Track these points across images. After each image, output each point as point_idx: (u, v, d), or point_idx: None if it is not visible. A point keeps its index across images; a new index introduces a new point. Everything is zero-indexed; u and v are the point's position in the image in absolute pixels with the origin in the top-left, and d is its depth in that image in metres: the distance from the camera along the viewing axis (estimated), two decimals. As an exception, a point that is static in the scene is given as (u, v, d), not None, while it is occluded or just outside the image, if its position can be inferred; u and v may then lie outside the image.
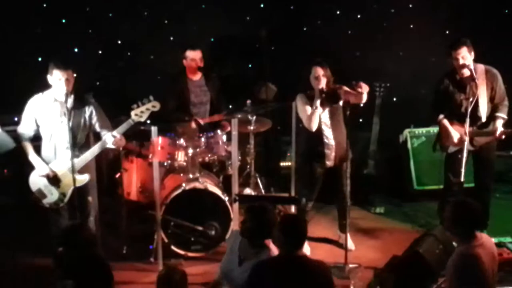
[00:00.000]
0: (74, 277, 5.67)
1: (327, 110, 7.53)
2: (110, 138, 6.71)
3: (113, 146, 6.81)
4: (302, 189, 7.97)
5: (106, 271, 5.62)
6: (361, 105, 7.45)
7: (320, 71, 7.40)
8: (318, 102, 7.41)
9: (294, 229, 5.42)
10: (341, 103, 7.50)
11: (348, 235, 7.66)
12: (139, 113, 6.71)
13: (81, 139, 6.86)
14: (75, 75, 6.76)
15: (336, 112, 7.57)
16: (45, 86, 6.82)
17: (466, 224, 5.43)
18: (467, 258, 5.34)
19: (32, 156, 6.82)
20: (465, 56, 7.32)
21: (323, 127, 7.54)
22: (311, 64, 7.50)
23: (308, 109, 7.49)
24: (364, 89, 7.21)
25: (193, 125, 8.19)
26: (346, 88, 7.45)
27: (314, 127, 7.45)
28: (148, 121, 7.45)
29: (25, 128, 6.86)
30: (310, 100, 7.52)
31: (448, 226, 5.57)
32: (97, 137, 6.95)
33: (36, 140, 6.94)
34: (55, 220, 6.92)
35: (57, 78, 6.62)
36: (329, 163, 7.63)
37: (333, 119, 7.56)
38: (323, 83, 7.39)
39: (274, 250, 5.57)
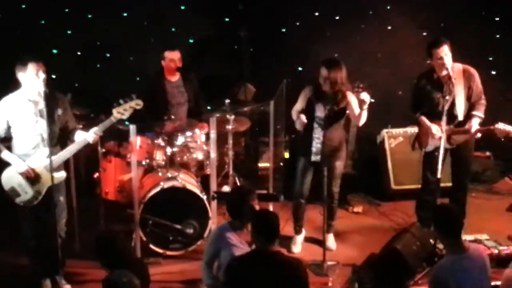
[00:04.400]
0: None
1: (324, 108, 7.46)
2: (91, 136, 6.65)
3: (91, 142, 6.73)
4: (294, 186, 7.88)
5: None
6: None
7: (324, 72, 7.33)
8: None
9: (265, 224, 5.45)
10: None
11: (332, 235, 7.80)
12: (122, 111, 6.63)
13: (55, 134, 6.67)
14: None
15: (337, 112, 7.53)
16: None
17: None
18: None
19: (5, 154, 6.64)
20: (448, 54, 7.33)
21: (314, 124, 7.51)
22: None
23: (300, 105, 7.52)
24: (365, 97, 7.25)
25: (172, 125, 8.13)
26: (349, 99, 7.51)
27: (297, 126, 7.51)
28: (126, 122, 7.47)
29: None
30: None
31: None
32: (64, 133, 6.81)
33: (5, 141, 6.74)
34: (26, 217, 6.79)
35: (33, 73, 6.42)
36: (314, 158, 7.57)
37: (330, 118, 7.45)
38: (326, 86, 7.32)
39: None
